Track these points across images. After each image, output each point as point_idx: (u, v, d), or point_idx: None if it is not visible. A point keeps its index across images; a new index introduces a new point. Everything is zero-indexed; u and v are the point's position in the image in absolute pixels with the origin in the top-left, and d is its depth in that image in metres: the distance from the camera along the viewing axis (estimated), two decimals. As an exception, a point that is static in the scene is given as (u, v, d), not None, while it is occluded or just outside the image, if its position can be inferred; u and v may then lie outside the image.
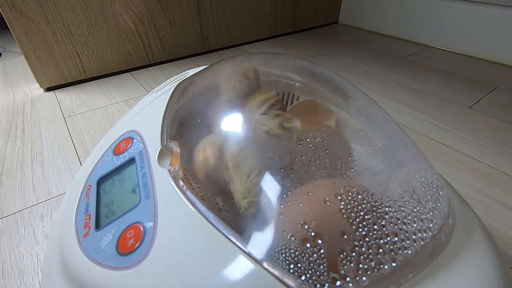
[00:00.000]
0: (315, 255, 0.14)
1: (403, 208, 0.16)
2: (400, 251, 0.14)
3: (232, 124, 0.21)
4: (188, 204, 0.16)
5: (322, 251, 0.14)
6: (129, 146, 0.23)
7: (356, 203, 0.15)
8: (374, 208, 0.15)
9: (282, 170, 0.17)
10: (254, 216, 0.16)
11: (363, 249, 0.14)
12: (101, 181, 0.22)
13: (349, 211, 0.15)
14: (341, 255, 0.14)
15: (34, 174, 0.37)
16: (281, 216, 0.16)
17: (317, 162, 0.17)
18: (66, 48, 0.57)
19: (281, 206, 0.16)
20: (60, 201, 0.33)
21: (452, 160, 0.38)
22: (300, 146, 0.18)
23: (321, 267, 0.14)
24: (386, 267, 0.14)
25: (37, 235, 0.29)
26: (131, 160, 0.21)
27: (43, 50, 0.55)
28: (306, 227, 0.15)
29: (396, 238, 0.15)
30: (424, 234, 0.15)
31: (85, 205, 0.20)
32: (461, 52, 0.71)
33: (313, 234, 0.14)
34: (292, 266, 0.14)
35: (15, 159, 0.40)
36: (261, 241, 0.15)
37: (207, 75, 0.27)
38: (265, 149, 0.19)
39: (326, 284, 0.13)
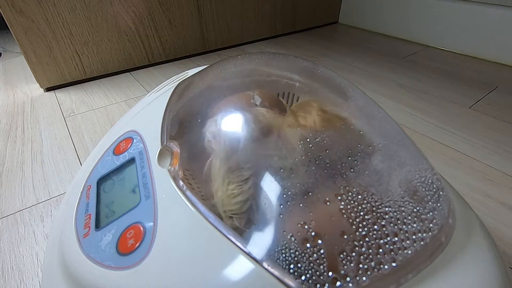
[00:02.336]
0: (315, 255, 0.14)
1: (403, 208, 0.16)
2: (400, 251, 0.14)
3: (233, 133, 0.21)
4: (188, 204, 0.16)
5: (322, 251, 0.14)
6: (129, 146, 0.23)
7: (356, 203, 0.15)
8: (374, 208, 0.15)
9: (282, 170, 0.17)
10: (254, 216, 0.16)
11: (363, 249, 0.14)
12: (101, 181, 0.22)
13: (349, 211, 0.15)
14: (341, 255, 0.14)
15: (34, 174, 0.37)
16: (281, 216, 0.16)
17: (317, 162, 0.17)
18: (66, 48, 0.57)
19: (281, 206, 0.16)
20: (60, 201, 0.33)
21: (452, 160, 0.38)
22: (300, 146, 0.18)
23: (321, 267, 0.14)
24: (386, 267, 0.14)
25: (37, 235, 0.29)
26: (131, 160, 0.21)
27: (43, 50, 0.55)
28: (306, 227, 0.15)
29: (396, 238, 0.15)
30: (424, 234, 0.15)
31: (85, 205, 0.20)
32: (461, 52, 0.71)
33: (313, 234, 0.14)
34: (292, 266, 0.14)
35: (15, 159, 0.40)
36: (261, 241, 0.15)
37: (207, 75, 0.27)
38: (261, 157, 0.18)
39: (326, 284, 0.13)
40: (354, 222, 0.15)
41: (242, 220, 0.16)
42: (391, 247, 0.14)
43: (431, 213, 0.16)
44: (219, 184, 0.18)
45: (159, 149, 0.20)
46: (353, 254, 0.14)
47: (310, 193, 0.16)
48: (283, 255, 0.14)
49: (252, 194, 0.17)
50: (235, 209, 0.17)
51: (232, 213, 0.17)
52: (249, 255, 0.14)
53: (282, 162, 0.18)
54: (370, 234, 0.14)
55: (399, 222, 0.15)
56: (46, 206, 0.32)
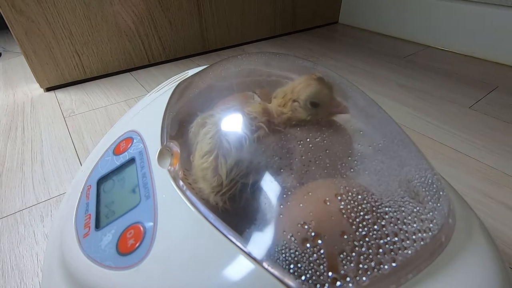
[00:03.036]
0: (315, 255, 0.14)
1: (403, 208, 0.16)
2: (400, 251, 0.14)
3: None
4: (188, 204, 0.16)
5: (322, 251, 0.14)
6: (129, 146, 0.23)
7: (356, 203, 0.15)
8: (374, 208, 0.15)
9: (282, 170, 0.17)
10: (254, 216, 0.16)
11: (363, 249, 0.14)
12: (101, 181, 0.22)
13: (349, 211, 0.15)
14: (341, 255, 0.14)
15: (34, 174, 0.37)
16: (281, 216, 0.16)
17: (317, 162, 0.17)
18: (66, 48, 0.57)
19: (281, 206, 0.16)
20: (60, 201, 0.33)
21: (452, 160, 0.38)
22: (300, 146, 0.18)
23: (321, 267, 0.14)
24: (386, 267, 0.14)
25: (37, 235, 0.29)
26: (131, 160, 0.21)
27: (43, 50, 0.55)
28: (306, 227, 0.15)
29: (396, 238, 0.15)
30: (424, 234, 0.15)
31: (85, 205, 0.20)
32: (461, 52, 0.71)
33: (313, 234, 0.14)
34: (292, 266, 0.14)
35: (15, 159, 0.40)
36: (261, 241, 0.15)
37: (207, 75, 0.27)
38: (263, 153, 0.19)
39: (326, 284, 0.13)
40: (354, 222, 0.15)
41: (212, 173, 0.18)
42: (391, 247, 0.14)
43: (431, 213, 0.16)
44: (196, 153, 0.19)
45: (159, 149, 0.20)
46: (353, 254, 0.14)
47: (310, 193, 0.16)
48: (283, 255, 0.14)
49: (217, 146, 0.18)
50: (204, 164, 0.18)
51: (203, 173, 0.18)
52: (249, 255, 0.14)
53: (281, 162, 0.18)
54: (370, 234, 0.14)
55: (399, 222, 0.15)
56: (46, 206, 0.32)
